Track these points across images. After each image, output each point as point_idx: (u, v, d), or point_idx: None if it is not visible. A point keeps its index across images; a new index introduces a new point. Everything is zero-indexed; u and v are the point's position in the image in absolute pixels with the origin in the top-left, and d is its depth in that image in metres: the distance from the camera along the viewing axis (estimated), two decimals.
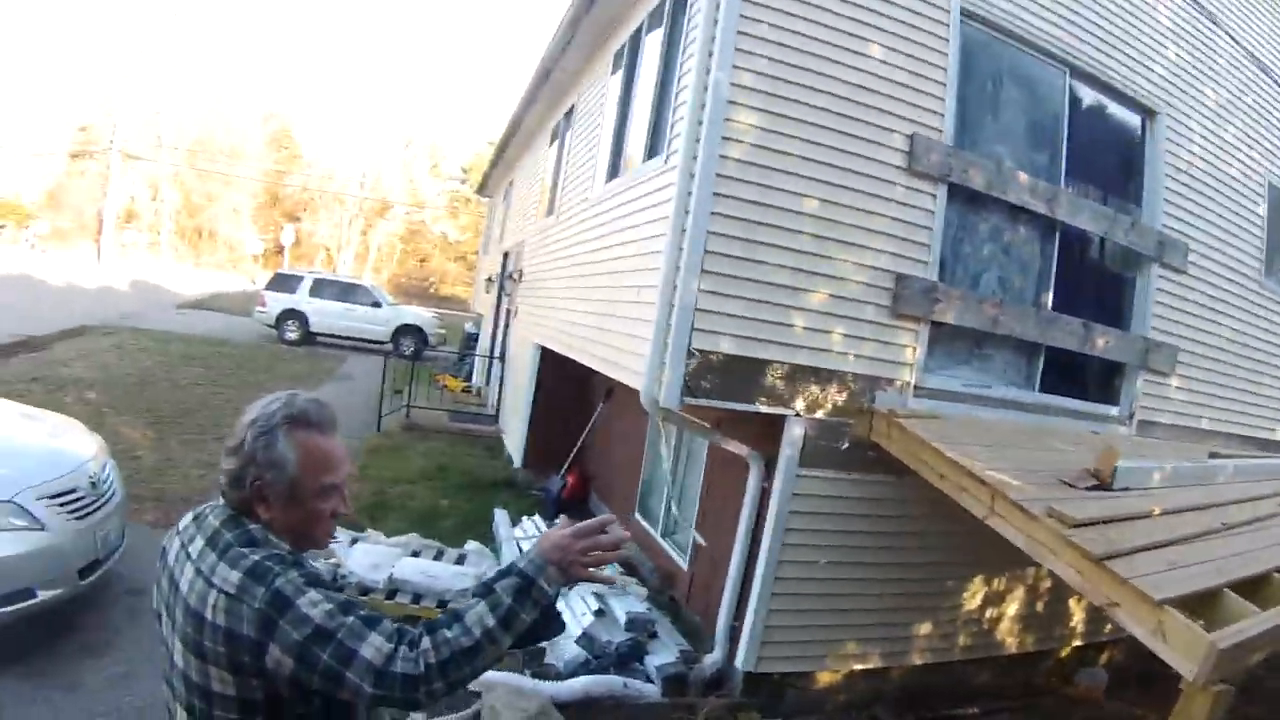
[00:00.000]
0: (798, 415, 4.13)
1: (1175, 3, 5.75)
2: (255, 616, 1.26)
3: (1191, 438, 6.18)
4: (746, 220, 3.93)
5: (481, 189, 20.17)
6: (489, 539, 6.52)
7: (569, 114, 8.83)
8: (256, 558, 1.32)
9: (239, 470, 1.39)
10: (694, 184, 3.86)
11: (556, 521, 1.58)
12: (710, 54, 3.93)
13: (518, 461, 9.08)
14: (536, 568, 1.34)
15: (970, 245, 4.78)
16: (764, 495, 4.35)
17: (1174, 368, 5.89)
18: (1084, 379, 5.46)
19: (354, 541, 5.43)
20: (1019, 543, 3.34)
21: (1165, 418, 5.99)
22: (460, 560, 5.49)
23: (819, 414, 4.18)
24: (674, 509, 6.09)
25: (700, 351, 3.86)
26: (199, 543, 1.38)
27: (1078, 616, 5.76)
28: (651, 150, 5.02)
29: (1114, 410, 5.60)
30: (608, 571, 1.54)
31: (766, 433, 4.28)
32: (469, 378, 15.63)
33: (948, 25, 4.52)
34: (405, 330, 18.79)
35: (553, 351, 7.83)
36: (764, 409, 4.05)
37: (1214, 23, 6.04)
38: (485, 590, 1.33)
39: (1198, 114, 5.96)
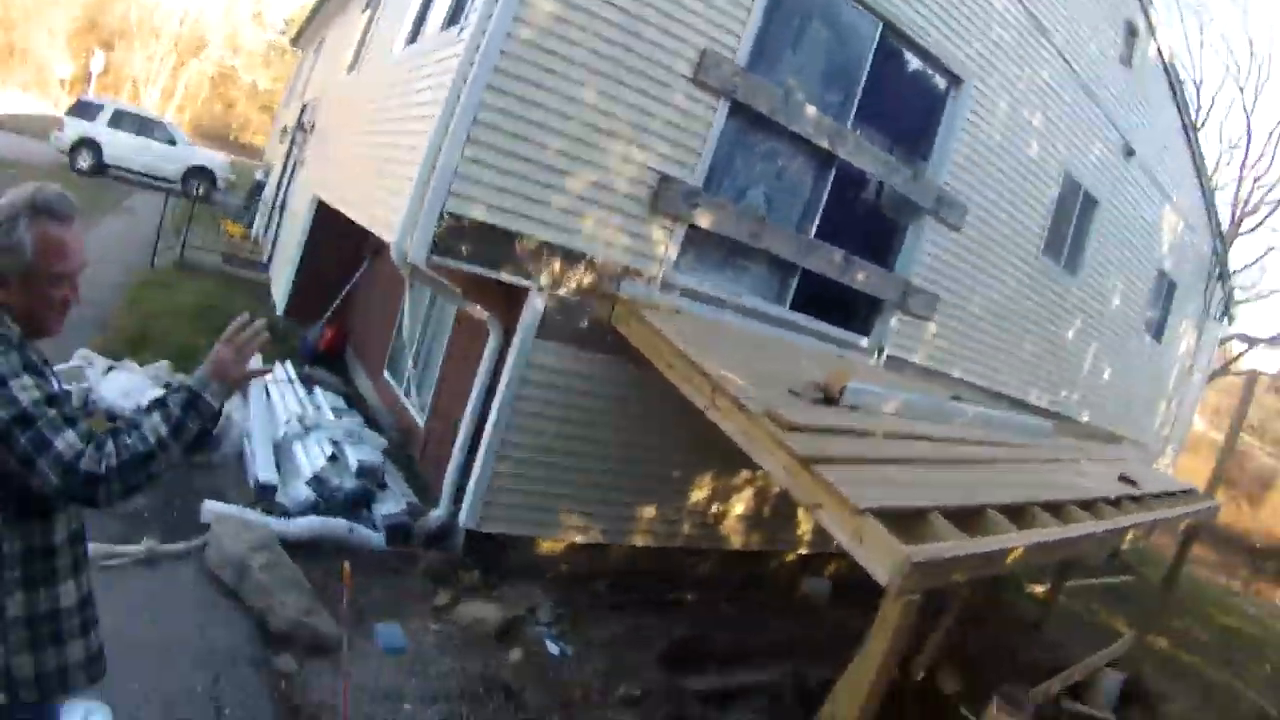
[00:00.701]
0: (540, 289, 4.95)
1: (1009, 4, 6.80)
2: None
3: (941, 382, 7.58)
4: (521, 99, 4.60)
5: (297, 40, 20.95)
6: None
7: None
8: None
9: None
10: (478, 55, 4.49)
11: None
12: None
13: (281, 309, 9.83)
14: (201, 383, 1.73)
15: (743, 162, 5.71)
16: (500, 361, 5.19)
17: (933, 314, 7.19)
18: (839, 307, 6.63)
19: (109, 370, 5.91)
20: (737, 438, 4.09)
21: (917, 359, 7.34)
22: None
23: (562, 291, 5.02)
24: (417, 368, 6.97)
25: (452, 215, 4.55)
26: None
27: (806, 525, 7.10)
28: (451, 20, 5.59)
29: (864, 341, 6.84)
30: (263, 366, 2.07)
31: (510, 302, 5.10)
32: (251, 225, 16.48)
33: None
34: (196, 171, 19.82)
35: (329, 205, 8.51)
36: (506, 278, 4.84)
37: (1040, 31, 7.18)
38: (159, 404, 1.67)
39: (1006, 94, 7.12)
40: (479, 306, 5.18)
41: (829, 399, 4.51)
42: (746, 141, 5.67)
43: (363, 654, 3.99)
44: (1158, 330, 11.77)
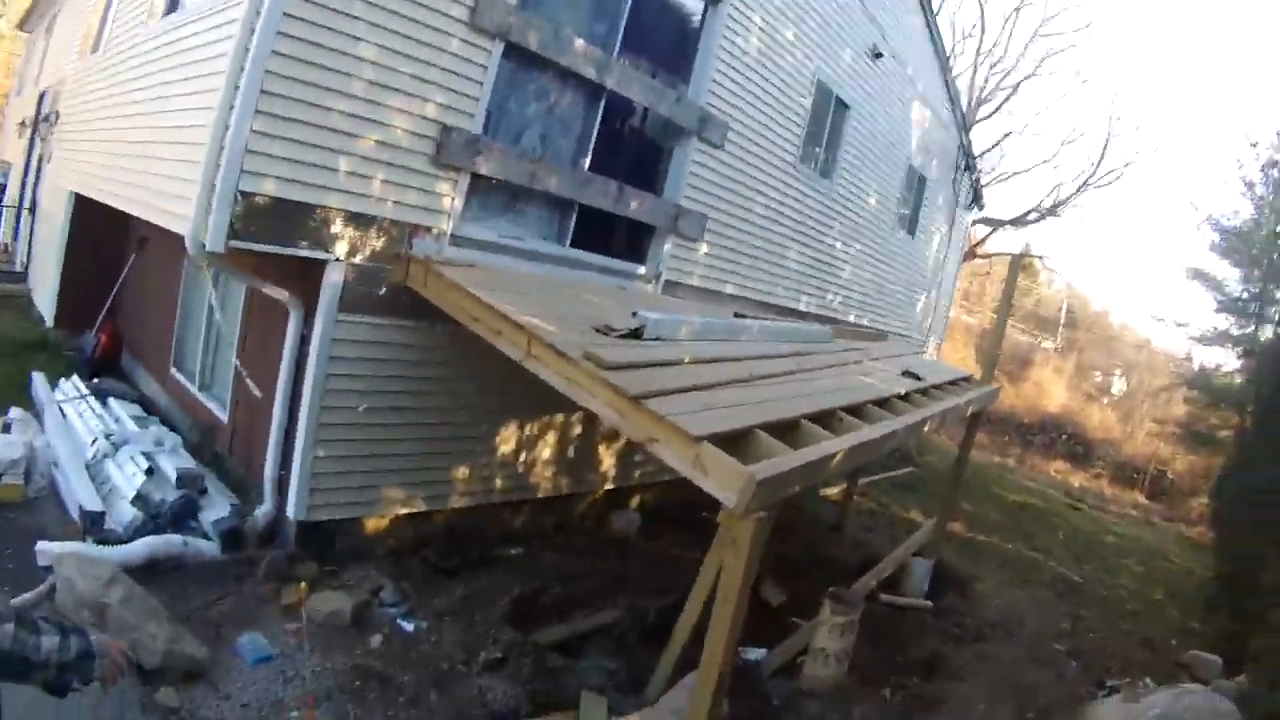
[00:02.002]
0: (338, 260, 5.94)
1: None
2: None
3: (716, 300, 9.41)
4: (305, 61, 5.45)
5: (23, 23, 20.72)
6: (30, 404, 7.73)
7: None
8: None
9: None
10: (259, 21, 5.24)
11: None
12: None
13: (50, 320, 10.26)
14: (95, 655, 2.26)
15: (518, 103, 6.97)
16: (304, 342, 6.14)
17: (702, 234, 8.91)
18: (616, 238, 8.17)
19: None
20: (557, 384, 5.12)
21: (693, 280, 9.07)
22: (6, 428, 6.73)
23: (358, 259, 6.04)
24: (209, 360, 7.75)
25: (245, 194, 5.37)
26: None
27: (608, 463, 8.73)
28: None
29: (642, 269, 8.45)
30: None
31: (307, 278, 6.03)
32: None
33: None
34: None
35: (90, 199, 8.96)
36: (304, 252, 5.76)
37: None
38: (62, 631, 2.20)
39: (760, 10, 8.83)
40: (276, 286, 6.08)
41: (632, 332, 5.90)
42: (519, 81, 6.90)
43: (234, 670, 4.91)
44: (912, 226, 14.56)
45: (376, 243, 6.16)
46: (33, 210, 13.02)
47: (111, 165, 7.91)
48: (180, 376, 8.37)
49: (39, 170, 13.12)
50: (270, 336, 6.53)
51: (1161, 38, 66.11)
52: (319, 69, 5.57)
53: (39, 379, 8.33)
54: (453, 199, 6.53)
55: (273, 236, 5.63)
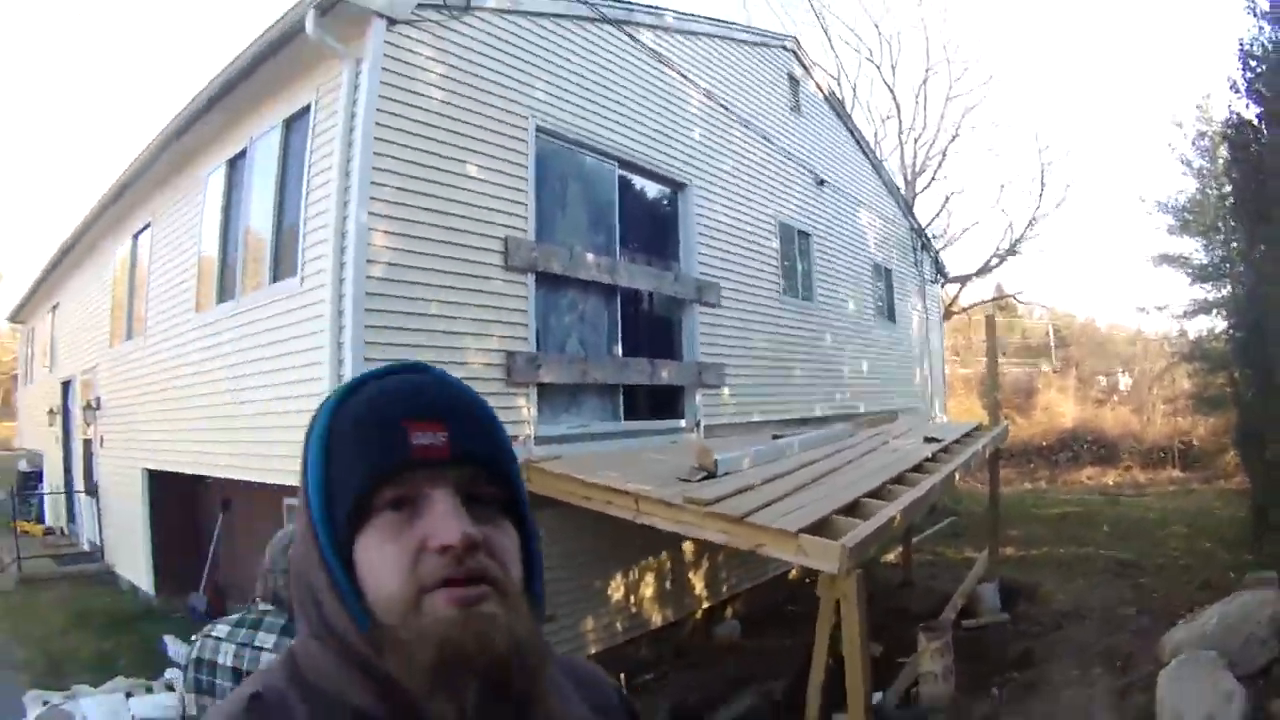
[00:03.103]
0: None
1: (698, 98, 10.01)
2: None
3: (747, 429, 10.61)
4: (392, 328, 6.71)
5: (16, 315, 21.30)
6: (166, 664, 8.59)
7: (139, 235, 11.11)
8: None
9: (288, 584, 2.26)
10: (348, 302, 6.47)
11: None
12: (347, 187, 6.57)
13: (149, 589, 11.11)
14: None
15: (556, 318, 8.30)
16: None
17: (723, 380, 10.17)
18: (657, 403, 9.44)
19: (65, 699, 7.11)
20: (668, 528, 6.33)
21: (724, 419, 10.29)
22: (169, 688, 7.59)
23: None
24: None
25: None
26: (269, 636, 2.44)
27: (699, 585, 9.81)
28: (277, 274, 7.55)
29: (682, 422, 9.67)
30: None
31: None
32: (41, 519, 17.35)
33: (526, 141, 7.88)
34: None
35: (160, 474, 10.19)
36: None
37: (728, 113, 10.49)
38: None
39: (719, 180, 10.40)
40: None
41: (709, 474, 7.19)
42: (553, 300, 8.25)
43: None
44: (890, 313, 15.99)
45: None
46: (93, 492, 13.74)
47: (204, 439, 8.82)
48: None
49: (89, 455, 13.89)
50: None
51: (1062, 54, 69.27)
52: (400, 331, 6.77)
53: (172, 641, 8.98)
54: (528, 408, 7.76)
55: None
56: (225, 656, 2.44)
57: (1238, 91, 11.31)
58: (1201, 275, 20.68)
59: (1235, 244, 18.40)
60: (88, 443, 13.92)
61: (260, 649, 2.42)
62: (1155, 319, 69.63)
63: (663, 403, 9.60)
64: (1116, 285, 75.65)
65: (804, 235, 12.46)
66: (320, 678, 0.93)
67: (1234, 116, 11.88)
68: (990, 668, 8.20)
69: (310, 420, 0.98)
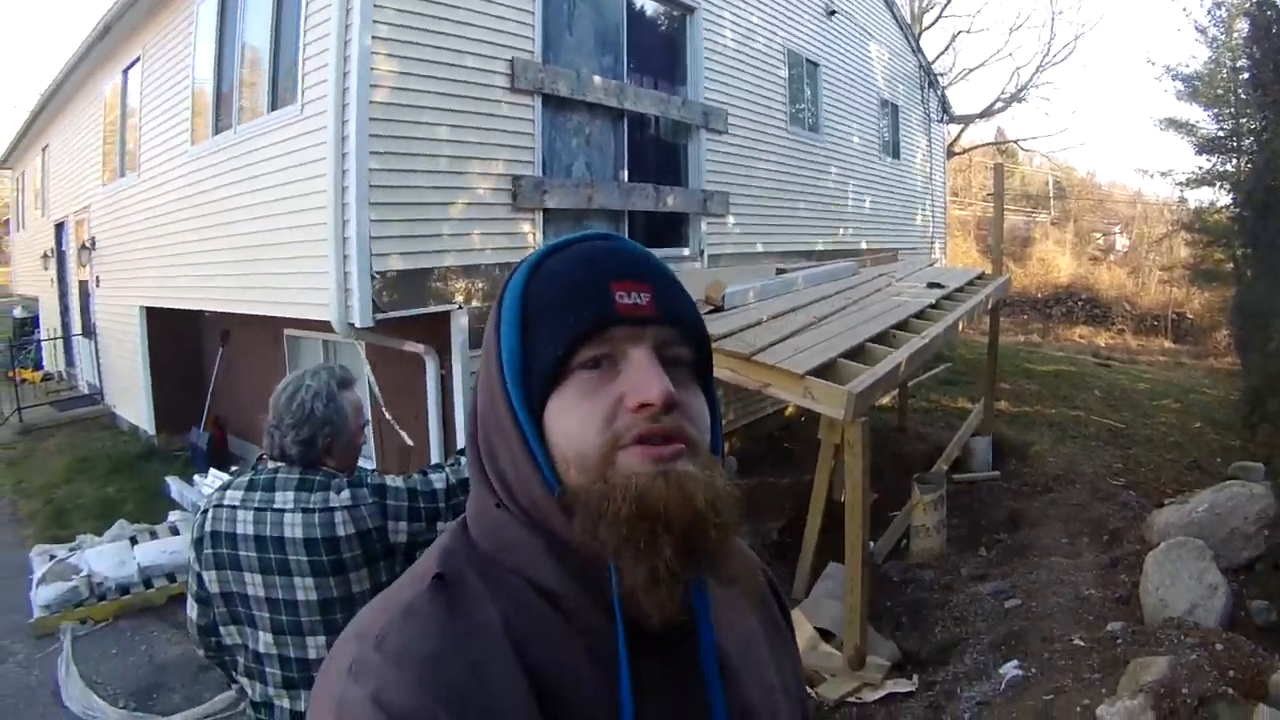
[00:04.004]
0: (460, 308, 7.01)
1: None
2: (372, 509, 2.31)
3: (750, 260, 10.46)
4: (397, 154, 6.50)
5: (4, 161, 20.70)
6: (170, 506, 8.71)
7: (129, 70, 10.61)
8: (356, 478, 2.39)
9: (311, 435, 2.39)
10: (351, 129, 6.22)
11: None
12: (349, 9, 6.18)
13: (150, 429, 11.19)
14: None
15: (563, 142, 8.03)
16: (444, 381, 7.23)
17: (728, 209, 9.96)
18: (661, 230, 9.25)
19: (71, 552, 7.18)
20: None
21: (728, 249, 10.13)
22: (174, 531, 7.70)
23: (474, 303, 7.12)
24: None
25: (379, 274, 6.41)
26: (287, 495, 2.33)
27: None
28: (275, 102, 7.27)
29: (686, 251, 9.52)
30: None
31: (435, 329, 7.11)
32: (39, 365, 17.52)
33: None
34: None
35: (159, 310, 10.09)
36: (433, 308, 6.84)
37: None
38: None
39: (728, 4, 9.88)
40: (412, 342, 7.17)
41: (716, 308, 7.06)
42: (559, 124, 7.96)
43: None
44: (895, 150, 15.57)
45: (485, 285, 7.23)
46: (91, 333, 13.73)
47: (199, 274, 8.69)
48: None
49: (86, 296, 13.78)
50: (407, 386, 7.60)
51: None
52: (408, 156, 6.58)
53: (175, 482, 9.08)
54: (533, 234, 7.61)
55: (407, 303, 6.66)
56: (245, 526, 2.32)
57: None
58: (1207, 146, 20.04)
59: (1246, 120, 18.03)
60: (83, 284, 13.81)
61: (282, 510, 2.31)
62: (1157, 184, 68.50)
63: (667, 231, 9.43)
64: (1118, 144, 73.99)
65: (812, 65, 11.99)
66: (499, 549, 0.93)
67: None
68: (978, 527, 8.29)
69: (501, 286, 0.99)
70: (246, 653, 2.36)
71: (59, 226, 15.27)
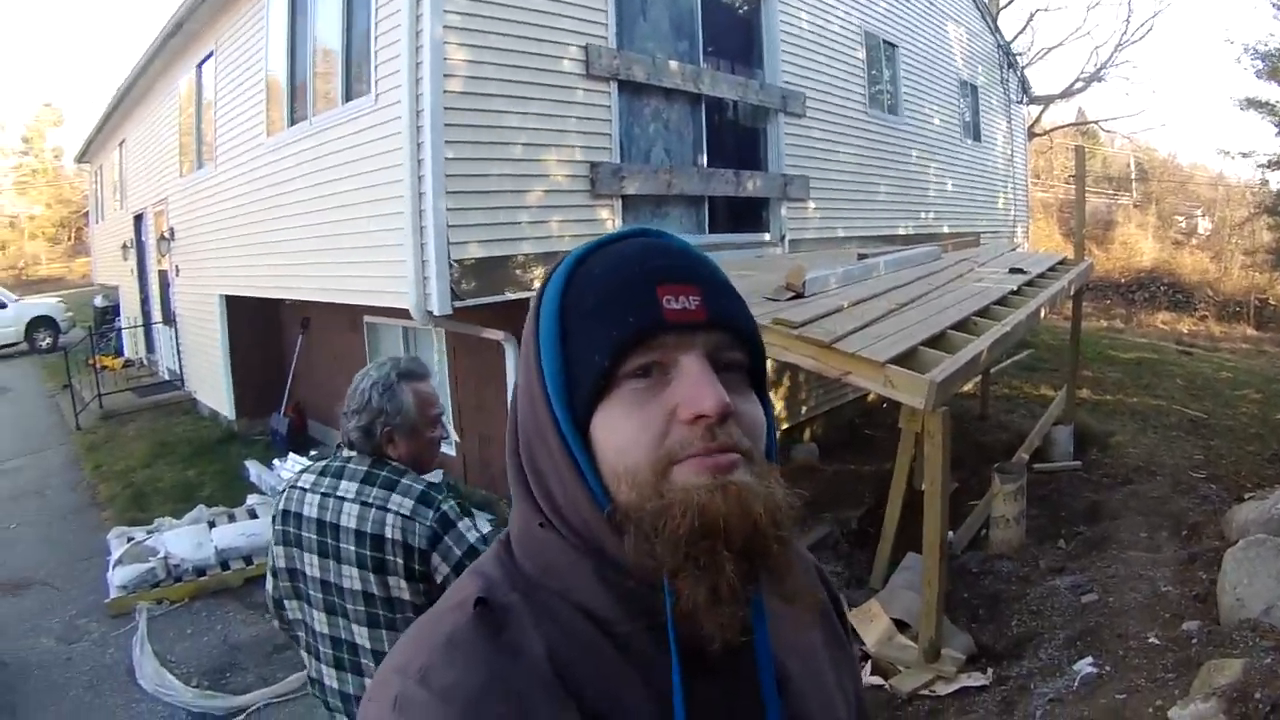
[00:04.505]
0: None
1: None
2: (426, 532, 2.25)
3: (831, 245, 10.20)
4: (472, 142, 6.44)
5: (83, 156, 21.26)
6: (249, 490, 8.77)
7: (203, 65, 10.77)
8: (421, 488, 2.31)
9: (369, 423, 2.38)
10: (425, 119, 6.18)
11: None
12: (418, 0, 6.24)
13: (230, 414, 11.37)
14: None
15: (640, 128, 7.86)
16: None
17: (808, 194, 9.70)
18: (741, 216, 9.06)
19: (149, 534, 7.25)
20: None
21: (809, 234, 9.88)
22: (253, 515, 7.76)
23: None
24: None
25: (457, 262, 6.36)
26: (351, 485, 2.33)
27: (779, 406, 9.58)
28: (349, 93, 7.24)
29: (767, 236, 9.30)
30: None
31: (512, 317, 7.00)
32: (120, 352, 17.95)
33: None
34: (37, 323, 22.19)
35: (239, 299, 10.23)
36: (511, 296, 6.75)
37: None
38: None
39: None
40: (491, 329, 7.11)
41: (797, 294, 6.80)
42: (636, 110, 7.81)
43: None
44: (975, 132, 15.09)
45: None
46: (172, 321, 13.97)
47: (278, 263, 8.76)
48: None
49: (165, 286, 14.05)
50: (486, 373, 7.56)
51: None
52: (483, 145, 6.50)
53: (254, 466, 9.18)
54: (612, 220, 7.48)
55: (485, 290, 6.58)
56: (310, 508, 2.39)
57: None
58: None
59: None
60: (163, 273, 14.05)
61: (343, 499, 2.35)
62: (1239, 165, 66.06)
63: (747, 216, 9.23)
64: (1199, 125, 71.26)
65: (890, 46, 11.65)
66: (544, 572, 0.88)
67: None
68: (1058, 518, 7.99)
69: (537, 292, 0.91)
70: (306, 629, 2.45)
71: (138, 218, 15.55)
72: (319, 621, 2.38)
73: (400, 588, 2.28)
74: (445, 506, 2.33)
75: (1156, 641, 5.13)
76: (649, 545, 0.79)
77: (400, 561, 2.26)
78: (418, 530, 2.27)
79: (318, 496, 2.37)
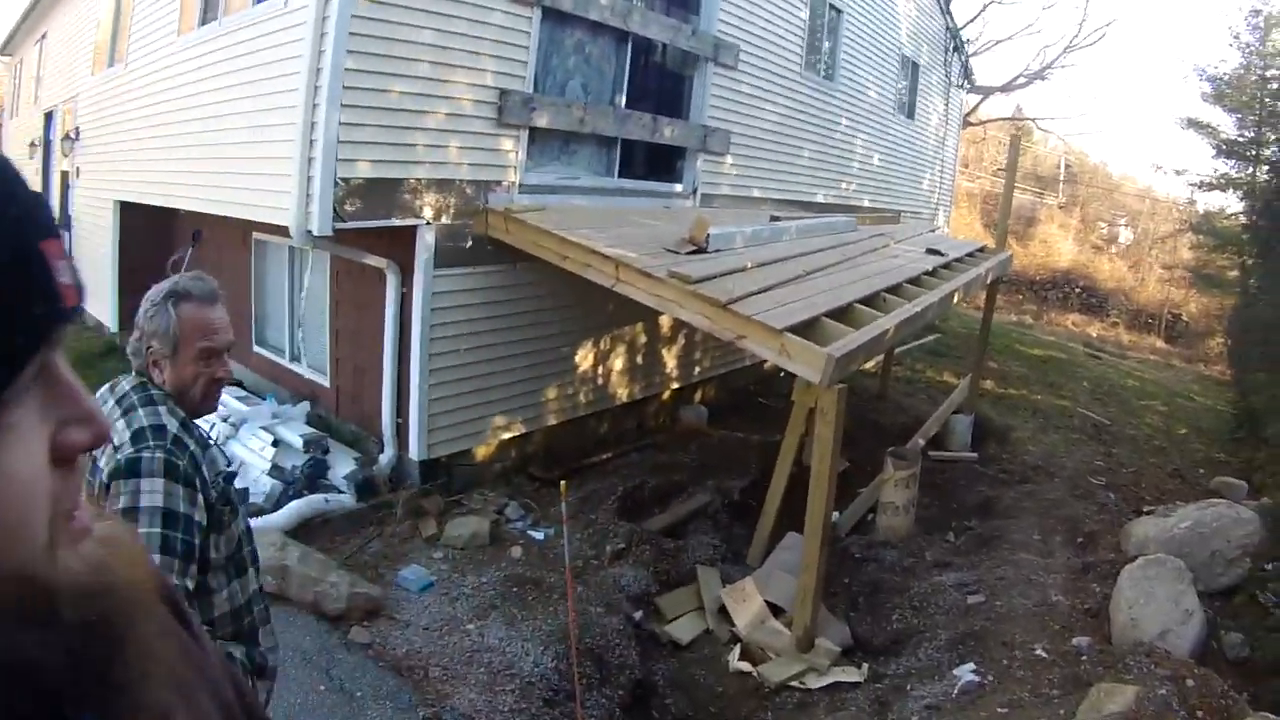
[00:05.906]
0: (428, 223, 6.47)
1: None
2: (111, 467, 1.94)
3: (746, 204, 9.90)
4: (378, 55, 5.92)
5: (4, 48, 19.98)
6: None
7: None
8: (143, 425, 2.00)
9: (136, 341, 2.12)
10: (330, 24, 5.66)
11: None
12: None
13: (113, 326, 10.61)
14: None
15: (559, 59, 7.41)
16: (404, 300, 6.70)
17: (728, 148, 9.36)
18: (654, 163, 8.70)
19: None
20: (648, 302, 5.76)
21: (723, 190, 9.56)
22: None
23: (444, 219, 6.58)
24: (298, 333, 8.27)
25: (343, 180, 5.88)
26: (110, 402, 2.08)
27: (672, 364, 9.35)
28: None
29: (679, 187, 8.96)
30: None
31: (400, 243, 6.59)
32: None
33: None
34: None
35: (135, 206, 9.52)
36: (399, 221, 6.31)
37: None
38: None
39: None
40: (375, 255, 6.65)
41: (699, 249, 6.51)
42: (558, 39, 7.34)
43: (404, 601, 5.42)
44: (910, 110, 14.84)
45: (458, 202, 6.69)
46: (67, 226, 13.12)
47: (171, 170, 8.21)
48: (266, 352, 8.83)
49: (66, 188, 13.30)
50: (367, 300, 7.09)
51: None
52: (389, 59, 6.02)
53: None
54: (516, 153, 7.04)
55: (371, 213, 6.14)
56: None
57: None
58: (1227, 150, 19.46)
59: (1269, 129, 17.48)
60: (65, 175, 13.29)
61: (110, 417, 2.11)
62: (1169, 182, 67.35)
63: (661, 164, 8.87)
64: (1134, 139, 71.90)
65: (835, 10, 11.25)
66: None
67: None
68: (949, 510, 7.95)
69: None
70: None
71: (48, 116, 14.72)
72: None
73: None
74: (145, 454, 1.95)
75: (1044, 654, 5.02)
76: None
77: (95, 489, 1.96)
78: (106, 461, 1.96)
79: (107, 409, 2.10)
